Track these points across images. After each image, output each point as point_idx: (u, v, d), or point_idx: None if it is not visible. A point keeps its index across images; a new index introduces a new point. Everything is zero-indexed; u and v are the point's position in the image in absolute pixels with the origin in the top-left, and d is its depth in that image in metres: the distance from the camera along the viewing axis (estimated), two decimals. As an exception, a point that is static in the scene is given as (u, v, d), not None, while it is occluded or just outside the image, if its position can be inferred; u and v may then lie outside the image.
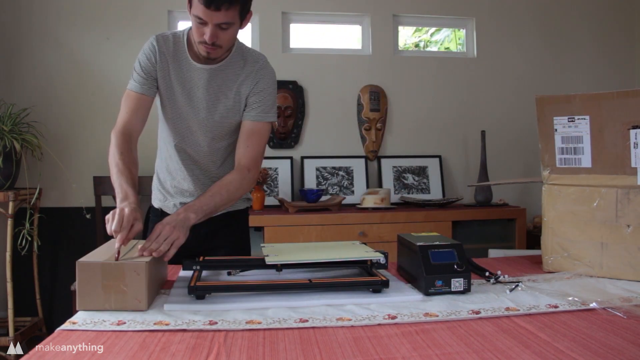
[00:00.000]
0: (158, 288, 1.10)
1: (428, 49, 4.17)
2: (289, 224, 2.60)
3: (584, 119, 1.24)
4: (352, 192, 3.07)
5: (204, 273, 1.20)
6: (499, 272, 1.20)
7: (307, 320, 0.90)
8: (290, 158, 3.07)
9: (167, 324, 0.88)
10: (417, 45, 4.22)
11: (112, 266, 0.96)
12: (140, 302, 0.96)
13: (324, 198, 2.93)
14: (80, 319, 0.90)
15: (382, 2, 3.20)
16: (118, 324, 0.88)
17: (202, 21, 1.21)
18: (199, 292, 1.01)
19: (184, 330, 0.86)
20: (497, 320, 0.91)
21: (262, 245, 1.30)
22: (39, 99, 2.81)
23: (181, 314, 0.94)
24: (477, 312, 0.94)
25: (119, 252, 1.00)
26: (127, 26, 2.91)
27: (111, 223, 1.05)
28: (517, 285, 1.11)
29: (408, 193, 3.12)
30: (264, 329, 0.86)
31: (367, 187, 3.08)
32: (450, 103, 3.25)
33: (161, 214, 1.53)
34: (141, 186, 2.50)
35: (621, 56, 3.43)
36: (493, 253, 2.13)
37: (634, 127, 1.17)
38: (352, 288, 1.08)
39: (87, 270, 0.96)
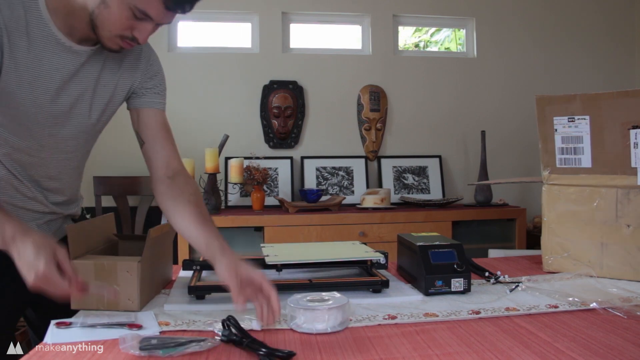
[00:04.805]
0: (159, 288, 1.10)
1: (428, 49, 4.17)
2: (289, 224, 2.60)
3: (584, 119, 1.24)
4: (352, 192, 3.07)
5: (204, 273, 1.20)
6: (499, 272, 1.20)
7: (307, 320, 0.90)
8: (290, 158, 3.07)
9: (167, 324, 0.88)
10: (417, 46, 4.22)
11: (104, 266, 0.95)
12: (133, 302, 0.96)
13: (324, 198, 2.93)
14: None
15: (382, 2, 3.20)
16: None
17: (146, 18, 0.94)
18: (199, 292, 1.01)
19: (184, 331, 0.86)
20: (497, 320, 0.91)
21: (262, 245, 1.30)
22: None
23: (181, 314, 0.94)
24: (477, 312, 0.94)
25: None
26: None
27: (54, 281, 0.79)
28: (517, 285, 1.11)
29: (408, 193, 3.12)
30: (264, 329, 0.86)
31: (367, 187, 3.08)
32: (451, 103, 3.25)
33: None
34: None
35: (621, 56, 3.43)
36: (493, 253, 2.13)
37: (634, 127, 1.17)
38: (352, 288, 1.08)
39: (80, 269, 0.96)
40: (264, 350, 0.74)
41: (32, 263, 0.79)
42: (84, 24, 0.95)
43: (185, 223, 1.02)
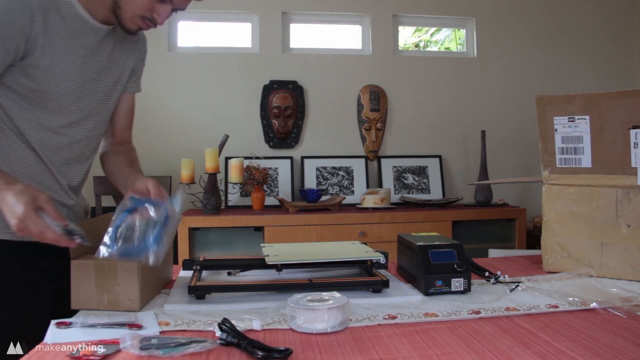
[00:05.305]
0: (159, 288, 1.10)
1: (428, 49, 4.17)
2: (289, 224, 2.60)
3: (584, 119, 1.24)
4: (352, 192, 3.07)
5: (204, 273, 1.20)
6: (499, 272, 1.20)
7: (307, 320, 0.90)
8: (290, 158, 3.07)
9: (167, 324, 0.88)
10: (417, 45, 4.22)
11: (105, 265, 0.95)
12: (133, 302, 0.95)
13: (324, 198, 2.93)
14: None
15: (382, 2, 3.20)
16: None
17: (167, 0, 1.04)
18: (199, 292, 1.01)
19: (184, 331, 0.86)
20: (497, 320, 0.91)
21: (262, 245, 1.30)
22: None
23: (181, 314, 0.93)
24: (477, 312, 0.94)
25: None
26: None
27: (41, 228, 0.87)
28: (517, 285, 1.11)
29: (408, 193, 3.12)
30: (264, 329, 0.86)
31: (367, 187, 3.08)
32: (451, 103, 3.25)
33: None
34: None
35: (621, 56, 3.43)
36: (493, 253, 2.13)
37: (634, 127, 1.17)
38: (352, 288, 1.08)
39: (81, 269, 0.96)
40: (261, 353, 0.74)
41: (12, 208, 0.86)
42: (106, 8, 1.05)
43: (118, 166, 1.19)
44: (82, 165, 1.19)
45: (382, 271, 1.17)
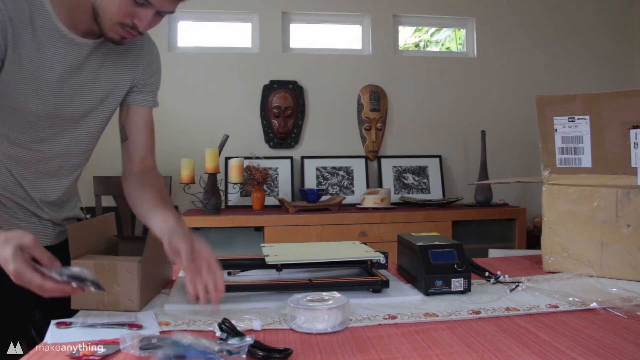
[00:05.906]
0: (159, 288, 1.10)
1: (428, 49, 4.17)
2: (289, 224, 2.60)
3: (584, 119, 1.24)
4: (352, 192, 3.07)
5: (204, 273, 1.19)
6: (499, 272, 1.20)
7: (307, 320, 0.90)
8: (290, 158, 3.07)
9: (167, 324, 0.88)
10: (417, 45, 4.23)
11: (104, 266, 0.95)
12: (133, 302, 0.95)
13: (324, 198, 2.93)
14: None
15: (382, 2, 3.20)
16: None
17: (146, 4, 0.93)
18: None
19: (184, 331, 0.86)
20: (497, 320, 0.91)
21: (262, 245, 1.30)
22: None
23: (181, 314, 0.93)
24: (477, 312, 0.94)
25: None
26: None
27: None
28: (517, 285, 1.11)
29: (408, 193, 3.12)
30: (264, 329, 0.86)
31: (367, 187, 3.08)
32: (451, 103, 3.26)
33: None
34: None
35: (621, 56, 3.43)
36: (493, 253, 2.13)
37: (634, 127, 1.17)
38: (352, 288, 1.08)
39: None
40: (261, 353, 0.74)
41: (4, 264, 0.78)
42: (87, 16, 0.96)
43: (147, 205, 1.03)
44: (62, 180, 1.11)
45: (382, 271, 1.17)
